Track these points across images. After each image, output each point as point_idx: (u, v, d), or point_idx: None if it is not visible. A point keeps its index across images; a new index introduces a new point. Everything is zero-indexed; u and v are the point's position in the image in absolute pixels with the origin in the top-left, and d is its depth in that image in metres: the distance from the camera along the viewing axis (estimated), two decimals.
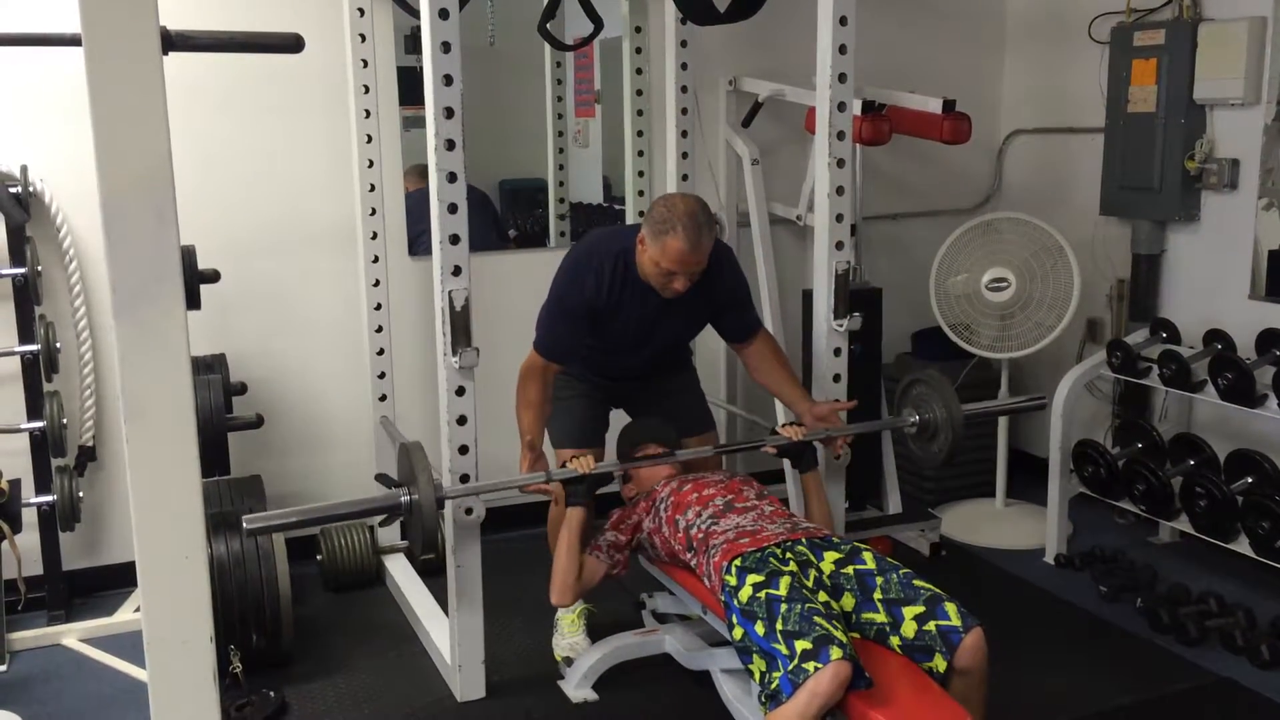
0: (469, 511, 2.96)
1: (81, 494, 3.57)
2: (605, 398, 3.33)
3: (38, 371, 3.53)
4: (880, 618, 2.47)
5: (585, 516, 2.98)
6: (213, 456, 3.42)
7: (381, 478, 2.86)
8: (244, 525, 2.57)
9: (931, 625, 2.40)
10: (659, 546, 2.98)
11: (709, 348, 4.38)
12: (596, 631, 3.33)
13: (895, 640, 2.44)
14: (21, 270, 3.45)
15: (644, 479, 3.14)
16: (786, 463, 3.40)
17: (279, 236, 3.94)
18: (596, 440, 3.30)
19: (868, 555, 2.61)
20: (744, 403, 4.59)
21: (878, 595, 2.50)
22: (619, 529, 3.07)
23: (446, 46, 2.73)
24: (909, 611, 2.44)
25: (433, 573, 3.74)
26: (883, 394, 4.19)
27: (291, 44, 2.37)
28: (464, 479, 2.94)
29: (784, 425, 3.17)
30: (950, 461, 3.31)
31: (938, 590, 2.49)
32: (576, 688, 3.16)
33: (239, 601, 3.20)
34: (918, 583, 2.51)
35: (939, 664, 2.38)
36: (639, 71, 4.22)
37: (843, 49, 3.12)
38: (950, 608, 2.42)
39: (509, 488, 2.97)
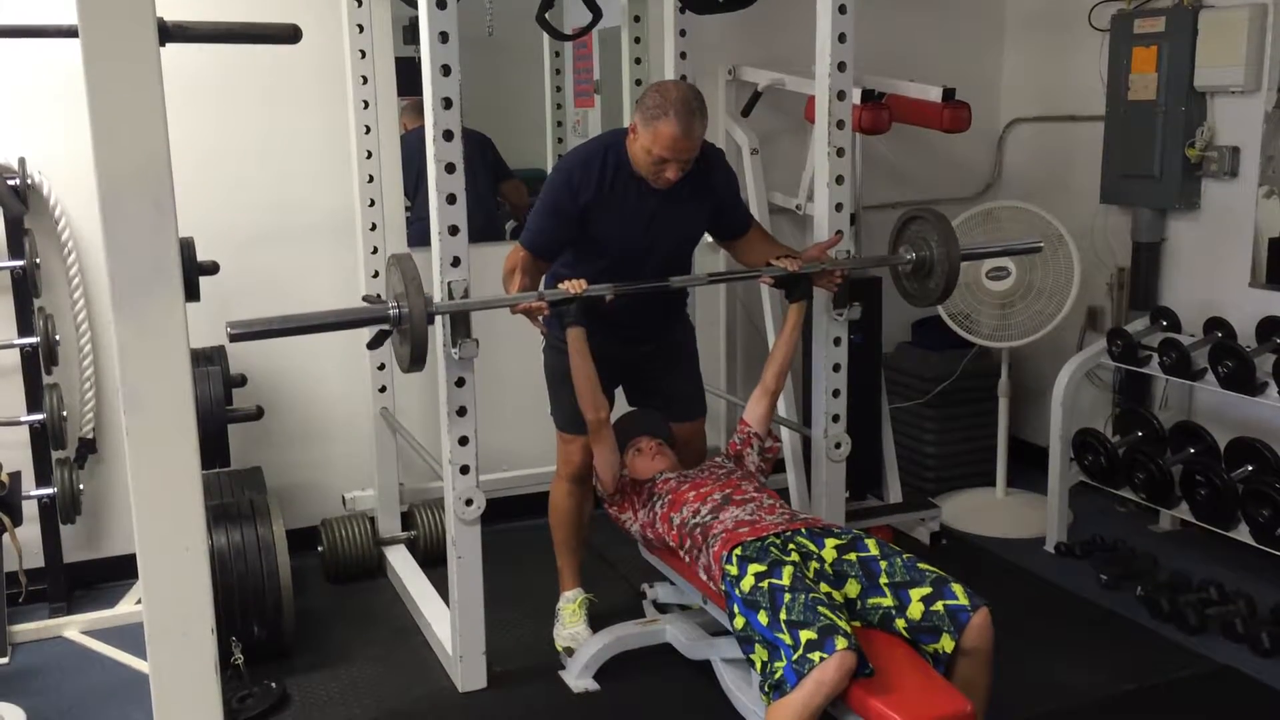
0: (469, 503, 2.96)
1: (82, 486, 3.58)
2: (608, 374, 3.29)
3: (37, 364, 3.53)
4: (887, 601, 2.47)
5: (584, 333, 2.95)
6: (213, 448, 3.42)
7: (369, 298, 2.85)
8: (227, 329, 2.50)
9: (939, 605, 2.41)
10: (652, 539, 2.99)
11: (709, 341, 4.39)
12: (597, 622, 3.33)
13: (901, 623, 2.45)
14: (20, 263, 3.45)
15: (639, 470, 3.13)
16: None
17: (278, 228, 3.94)
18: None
19: (870, 542, 2.61)
20: (743, 394, 4.58)
21: (883, 580, 2.50)
22: (632, 493, 3.07)
23: (444, 37, 2.72)
24: (916, 593, 2.44)
25: (433, 563, 3.76)
26: (883, 384, 4.19)
27: (289, 34, 2.36)
28: (464, 470, 2.94)
29: (779, 258, 3.15)
30: (944, 300, 3.31)
31: (942, 573, 2.49)
32: (578, 678, 3.16)
33: (240, 593, 3.20)
34: (922, 565, 2.52)
35: (946, 644, 2.38)
36: (638, 61, 4.21)
37: (842, 37, 3.12)
38: (957, 588, 2.43)
39: (502, 305, 2.91)
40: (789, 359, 3.22)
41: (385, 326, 2.76)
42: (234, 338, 2.54)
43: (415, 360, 2.71)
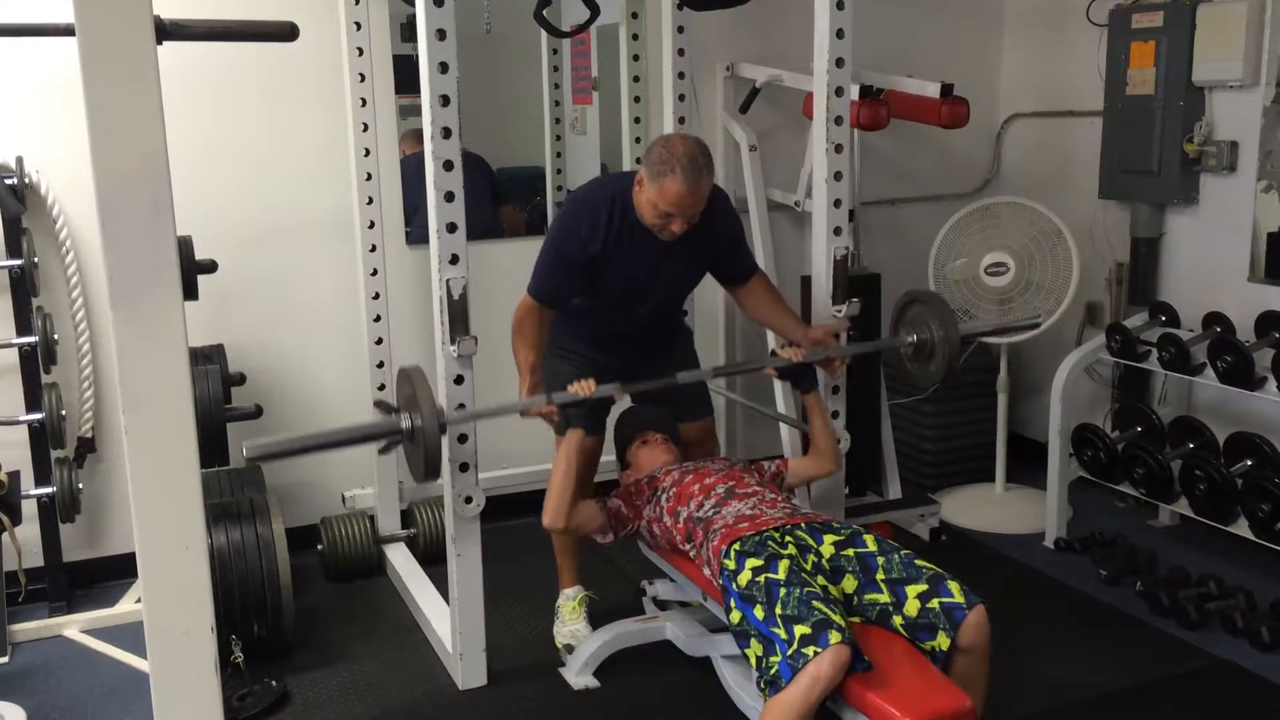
0: (469, 500, 2.96)
1: (81, 485, 3.58)
2: (609, 375, 3.30)
3: (36, 363, 3.53)
4: (884, 598, 2.48)
5: (582, 440, 2.95)
6: (212, 447, 3.42)
7: (380, 405, 2.85)
8: (245, 452, 2.52)
9: (935, 603, 2.42)
10: (658, 535, 2.98)
11: (708, 336, 4.39)
12: (597, 619, 3.34)
13: (898, 620, 2.45)
14: (18, 262, 3.45)
15: (643, 465, 3.14)
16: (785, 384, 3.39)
17: (276, 226, 3.93)
18: (598, 426, 3.29)
19: (868, 538, 2.62)
20: (743, 393, 4.58)
21: (880, 576, 2.51)
22: (626, 502, 3.06)
23: (442, 34, 2.72)
24: (912, 590, 2.45)
25: (433, 561, 3.76)
26: (882, 380, 4.19)
27: (286, 33, 2.36)
28: (464, 468, 2.94)
29: (782, 347, 3.16)
30: (945, 382, 3.32)
31: (939, 569, 2.50)
32: (578, 675, 3.16)
33: (240, 591, 3.20)
34: (919, 562, 2.52)
35: (942, 642, 2.39)
36: (636, 58, 4.20)
37: (840, 33, 3.12)
38: (953, 585, 2.44)
39: (510, 412, 2.95)
40: (833, 440, 3.22)
41: (398, 439, 2.75)
42: (251, 460, 2.53)
43: (430, 473, 2.71)
